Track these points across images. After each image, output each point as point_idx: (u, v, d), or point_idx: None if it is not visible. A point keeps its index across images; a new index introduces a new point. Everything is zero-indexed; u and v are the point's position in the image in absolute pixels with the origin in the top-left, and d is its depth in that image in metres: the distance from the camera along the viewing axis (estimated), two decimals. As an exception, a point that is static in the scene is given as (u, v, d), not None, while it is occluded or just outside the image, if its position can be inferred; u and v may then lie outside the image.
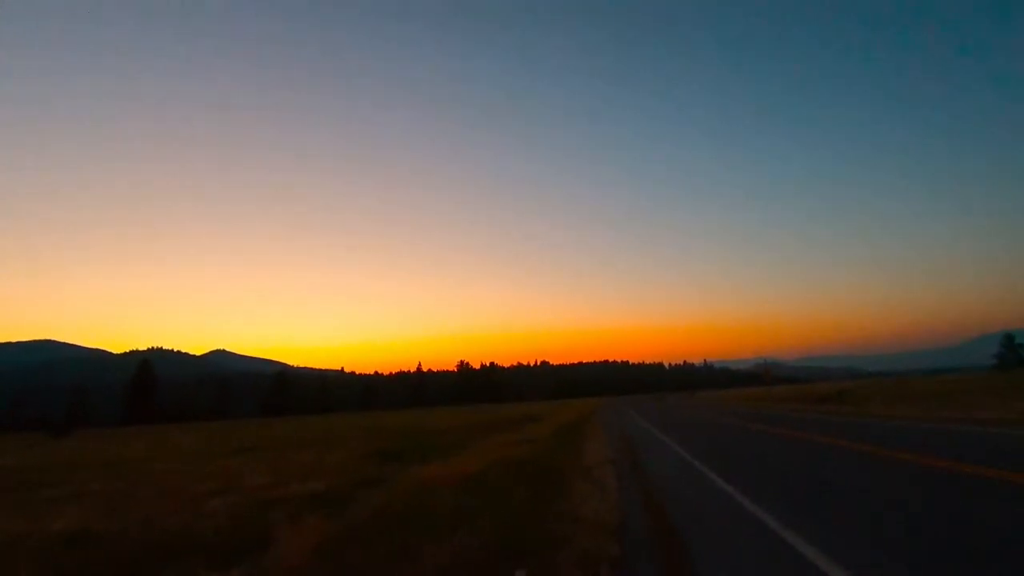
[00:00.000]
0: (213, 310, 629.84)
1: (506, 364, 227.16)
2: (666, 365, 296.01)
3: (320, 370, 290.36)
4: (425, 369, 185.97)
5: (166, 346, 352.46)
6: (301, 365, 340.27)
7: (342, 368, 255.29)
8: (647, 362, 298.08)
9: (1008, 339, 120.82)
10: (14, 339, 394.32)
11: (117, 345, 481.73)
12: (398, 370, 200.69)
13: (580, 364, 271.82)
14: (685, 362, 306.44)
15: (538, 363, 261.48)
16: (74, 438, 54.75)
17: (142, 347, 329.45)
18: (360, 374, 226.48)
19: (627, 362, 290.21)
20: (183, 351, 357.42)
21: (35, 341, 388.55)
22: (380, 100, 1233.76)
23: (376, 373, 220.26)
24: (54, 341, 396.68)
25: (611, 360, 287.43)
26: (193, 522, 7.78)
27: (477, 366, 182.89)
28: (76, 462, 22.92)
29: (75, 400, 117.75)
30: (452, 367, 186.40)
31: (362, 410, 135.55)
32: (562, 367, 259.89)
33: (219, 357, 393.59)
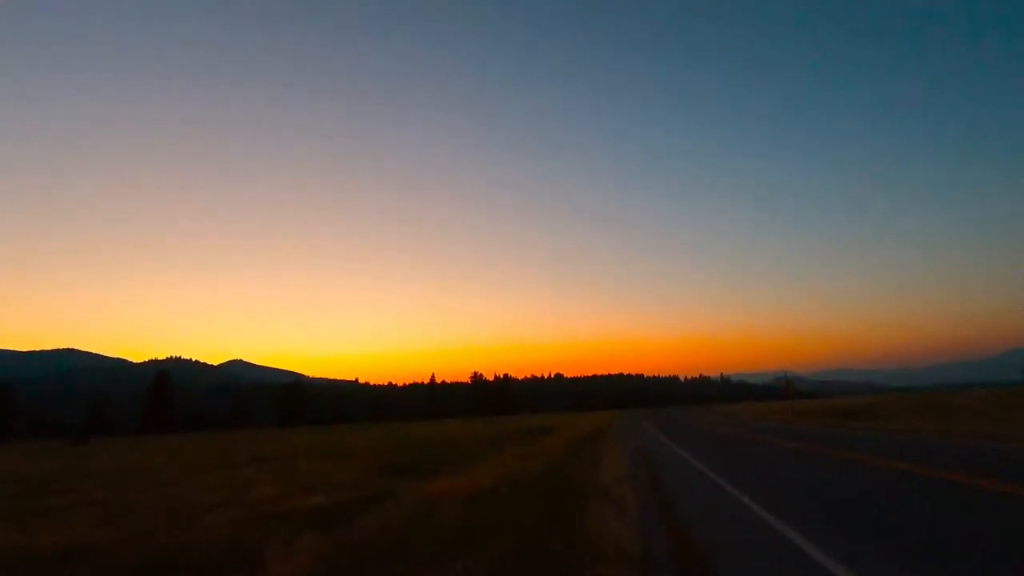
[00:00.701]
0: (230, 321, 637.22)
1: (520, 376, 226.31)
2: (681, 378, 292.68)
3: (335, 380, 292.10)
4: (439, 380, 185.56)
5: (184, 355, 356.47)
6: (316, 376, 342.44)
7: (356, 379, 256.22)
8: (662, 375, 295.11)
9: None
10: (38, 347, 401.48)
11: (137, 354, 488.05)
12: (412, 381, 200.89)
13: (594, 377, 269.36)
14: (701, 375, 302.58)
15: (552, 376, 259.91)
16: (93, 446, 55.14)
17: (161, 356, 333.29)
18: (375, 385, 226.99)
19: (642, 375, 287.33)
20: (201, 360, 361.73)
21: (58, 350, 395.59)
22: (395, 112, 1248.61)
23: (390, 384, 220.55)
24: (76, 350, 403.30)
25: (625, 373, 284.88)
26: (189, 537, 7.48)
27: (491, 378, 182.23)
28: (88, 471, 22.87)
29: (95, 408, 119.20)
30: (466, 379, 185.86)
31: (375, 421, 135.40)
32: (576, 380, 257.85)
33: (236, 367, 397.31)
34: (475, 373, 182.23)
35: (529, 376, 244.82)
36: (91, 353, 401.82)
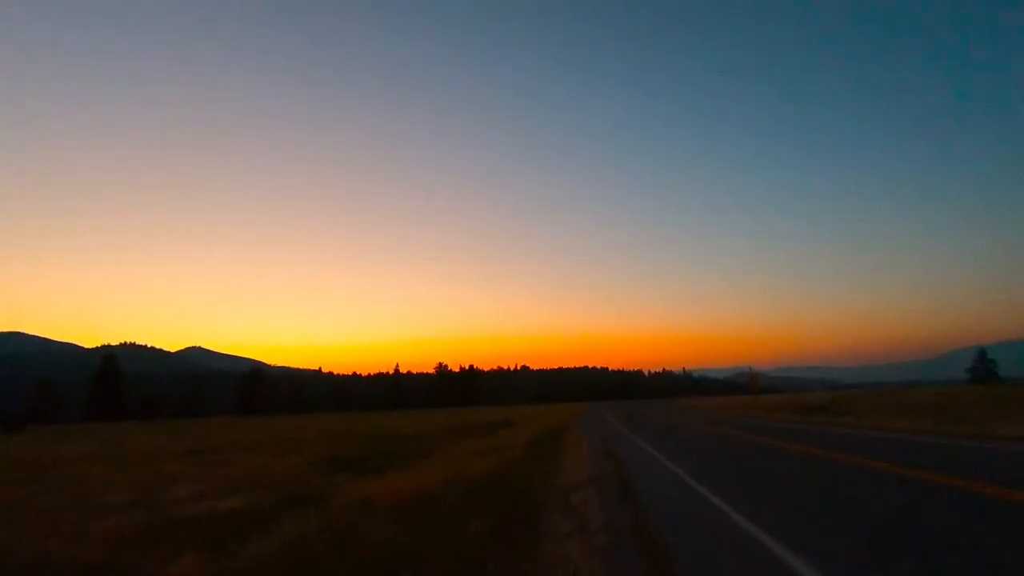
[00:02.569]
0: (190, 306, 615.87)
1: (486, 368, 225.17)
2: (645, 372, 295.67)
3: (298, 369, 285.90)
4: (403, 371, 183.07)
5: (140, 341, 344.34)
6: (279, 364, 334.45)
7: (320, 368, 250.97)
8: (626, 369, 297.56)
9: (982, 354, 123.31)
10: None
11: (89, 339, 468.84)
12: (376, 371, 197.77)
13: (560, 369, 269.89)
14: (664, 370, 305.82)
15: (518, 367, 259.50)
16: (29, 434, 51.91)
17: (114, 342, 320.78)
18: (338, 374, 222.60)
19: (607, 368, 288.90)
20: (157, 347, 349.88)
21: (2, 333, 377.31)
22: (364, 99, 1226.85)
23: (355, 374, 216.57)
24: (22, 334, 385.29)
25: (591, 366, 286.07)
26: (60, 549, 6.16)
27: (456, 369, 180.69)
28: (3, 463, 20.94)
29: (39, 395, 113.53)
30: (431, 369, 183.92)
31: (337, 411, 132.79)
32: (542, 372, 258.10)
33: (195, 354, 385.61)
34: (440, 364, 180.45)
35: (495, 368, 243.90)
36: (39, 337, 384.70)
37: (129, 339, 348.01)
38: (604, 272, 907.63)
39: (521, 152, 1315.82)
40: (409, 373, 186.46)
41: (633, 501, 7.49)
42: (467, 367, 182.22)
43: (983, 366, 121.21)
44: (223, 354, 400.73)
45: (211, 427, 52.89)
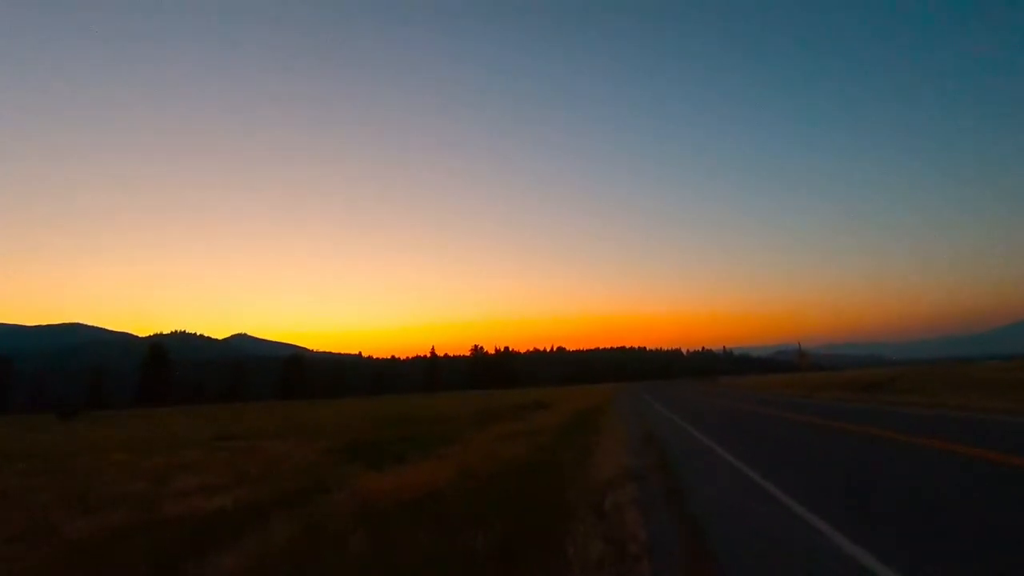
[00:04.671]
0: (236, 295, 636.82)
1: (522, 350, 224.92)
2: (684, 351, 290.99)
3: (338, 354, 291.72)
4: (440, 354, 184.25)
5: (189, 330, 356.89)
6: (320, 349, 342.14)
7: (360, 353, 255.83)
8: (665, 348, 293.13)
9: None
10: (43, 322, 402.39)
11: (142, 328, 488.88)
12: (414, 355, 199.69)
13: (596, 350, 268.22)
14: (704, 348, 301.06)
15: (554, 348, 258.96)
16: (80, 420, 53.66)
17: (166, 331, 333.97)
18: (377, 358, 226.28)
19: (644, 348, 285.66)
20: (205, 335, 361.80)
21: (63, 325, 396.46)
22: (395, 92, 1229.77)
23: (393, 358, 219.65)
24: (82, 324, 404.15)
25: (628, 346, 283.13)
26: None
27: (492, 351, 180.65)
28: (39, 448, 21.14)
29: (93, 383, 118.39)
30: (467, 352, 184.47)
31: (375, 394, 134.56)
32: (578, 353, 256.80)
33: (240, 341, 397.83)
34: (475, 346, 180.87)
35: (531, 349, 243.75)
36: (96, 327, 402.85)
37: (179, 328, 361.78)
38: (641, 253, 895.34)
39: (559, 142, 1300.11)
40: (446, 356, 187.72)
41: (684, 509, 5.68)
42: (502, 349, 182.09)
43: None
44: (268, 340, 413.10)
45: (248, 412, 53.65)
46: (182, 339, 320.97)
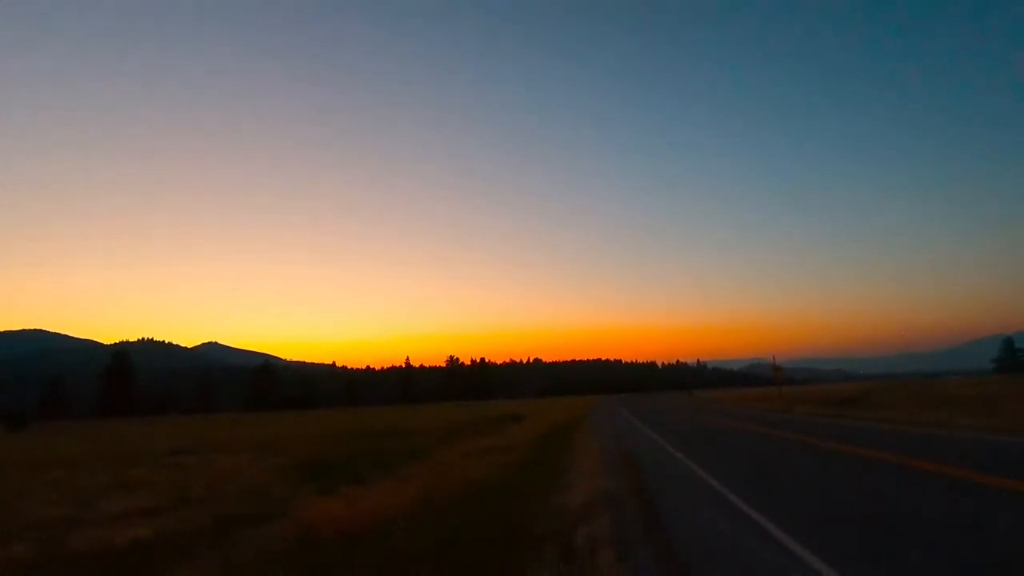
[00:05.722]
0: (207, 303, 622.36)
1: (498, 361, 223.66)
2: (659, 364, 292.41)
3: (312, 364, 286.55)
4: (415, 365, 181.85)
5: (157, 338, 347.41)
6: (293, 359, 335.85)
7: (334, 363, 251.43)
8: (640, 361, 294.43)
9: (1008, 343, 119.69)
10: (2, 328, 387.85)
11: (107, 336, 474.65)
12: (389, 366, 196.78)
13: (573, 362, 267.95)
14: (678, 361, 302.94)
15: (530, 360, 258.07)
16: (28, 432, 51.07)
17: (132, 338, 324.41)
18: (352, 368, 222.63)
19: (620, 361, 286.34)
20: (174, 343, 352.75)
21: (25, 331, 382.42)
22: (372, 97, 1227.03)
23: (367, 368, 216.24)
24: (44, 331, 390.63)
25: (604, 359, 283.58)
26: None
27: (467, 362, 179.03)
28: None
29: (51, 391, 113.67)
30: (442, 363, 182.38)
31: (349, 406, 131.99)
32: (555, 365, 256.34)
33: (211, 349, 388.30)
34: (451, 357, 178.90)
35: (508, 361, 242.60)
36: (59, 334, 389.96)
37: (147, 335, 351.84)
38: (616, 265, 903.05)
39: (531, 150, 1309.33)
40: (421, 367, 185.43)
41: (668, 547, 4.88)
42: (478, 360, 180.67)
43: (1010, 355, 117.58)
44: (239, 349, 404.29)
45: (213, 424, 51.73)
46: (149, 347, 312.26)
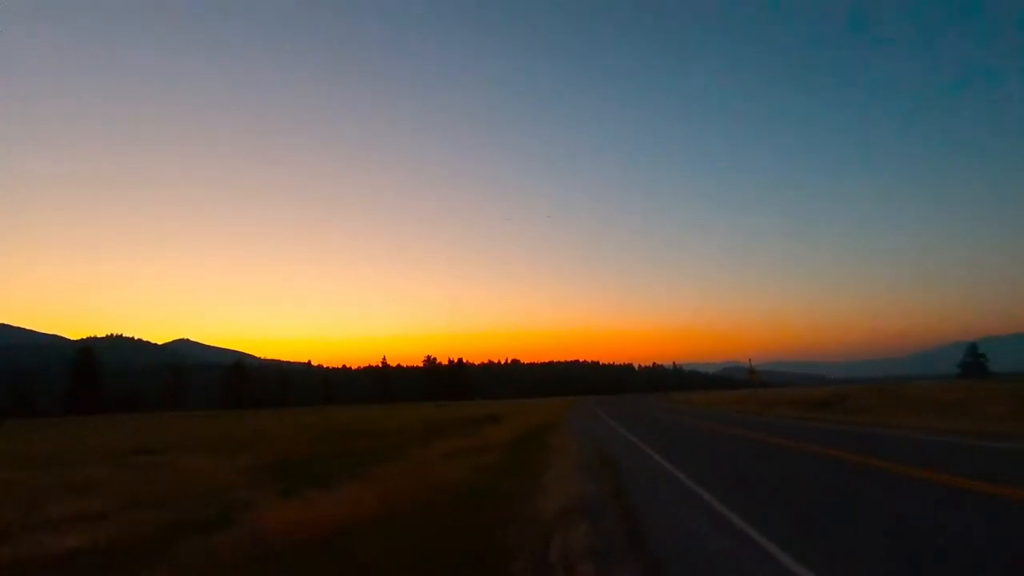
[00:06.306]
0: (179, 298, 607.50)
1: (476, 362, 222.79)
2: (636, 366, 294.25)
3: (287, 362, 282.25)
4: (392, 364, 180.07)
5: (127, 334, 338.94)
6: (268, 357, 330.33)
7: (309, 361, 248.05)
8: (617, 363, 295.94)
9: (973, 349, 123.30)
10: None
11: (74, 331, 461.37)
12: (366, 365, 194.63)
13: (551, 363, 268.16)
14: (655, 364, 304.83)
15: (509, 361, 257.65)
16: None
17: (100, 334, 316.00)
18: (328, 367, 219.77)
19: (598, 363, 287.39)
20: (144, 339, 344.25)
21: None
22: (354, 95, 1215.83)
23: (344, 367, 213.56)
24: (7, 325, 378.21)
25: (582, 360, 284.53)
26: None
27: (446, 363, 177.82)
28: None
29: (14, 388, 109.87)
30: (420, 363, 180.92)
31: (324, 404, 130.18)
32: (533, 366, 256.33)
33: (182, 346, 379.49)
34: (428, 357, 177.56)
35: (486, 361, 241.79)
36: (24, 329, 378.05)
37: (116, 331, 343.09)
38: (595, 268, 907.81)
39: (511, 148, 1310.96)
40: (399, 367, 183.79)
41: (649, 559, 4.58)
42: (456, 361, 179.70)
43: (974, 361, 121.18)
44: (212, 346, 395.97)
45: (181, 423, 50.38)
46: (119, 343, 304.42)
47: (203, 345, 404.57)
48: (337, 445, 18.51)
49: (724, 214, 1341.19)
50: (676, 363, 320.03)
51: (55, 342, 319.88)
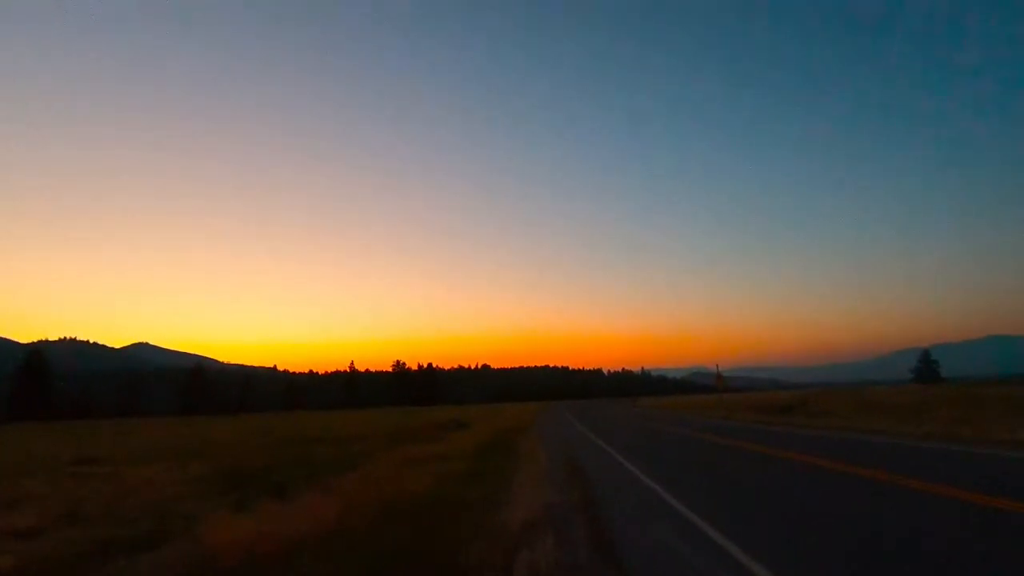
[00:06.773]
0: (137, 300, 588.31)
1: (446, 366, 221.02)
2: (605, 371, 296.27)
3: (251, 367, 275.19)
4: (360, 369, 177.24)
5: (81, 337, 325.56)
6: (231, 361, 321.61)
7: (274, 366, 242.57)
8: (587, 368, 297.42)
9: (926, 356, 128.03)
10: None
11: (25, 334, 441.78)
12: (333, 370, 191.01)
13: (521, 368, 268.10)
14: (624, 369, 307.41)
15: (479, 366, 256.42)
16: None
17: (53, 337, 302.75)
18: (293, 372, 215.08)
19: (567, 368, 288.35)
20: (100, 343, 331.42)
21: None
22: (331, 99, 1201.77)
23: (310, 372, 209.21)
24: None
25: (551, 365, 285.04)
26: None
27: (415, 367, 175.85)
28: None
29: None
30: (388, 368, 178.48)
31: (289, 410, 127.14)
32: (503, 371, 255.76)
33: (140, 350, 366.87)
34: (397, 362, 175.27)
35: (456, 366, 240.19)
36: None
37: (69, 334, 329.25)
38: (565, 274, 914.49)
39: (484, 154, 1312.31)
40: (367, 371, 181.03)
41: (617, 568, 4.45)
42: (425, 365, 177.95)
43: (927, 367, 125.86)
44: (172, 351, 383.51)
45: (133, 429, 48.31)
46: (72, 347, 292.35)
47: (163, 349, 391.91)
48: (297, 452, 17.86)
49: (693, 224, 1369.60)
50: (644, 368, 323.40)
51: (3, 345, 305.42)
